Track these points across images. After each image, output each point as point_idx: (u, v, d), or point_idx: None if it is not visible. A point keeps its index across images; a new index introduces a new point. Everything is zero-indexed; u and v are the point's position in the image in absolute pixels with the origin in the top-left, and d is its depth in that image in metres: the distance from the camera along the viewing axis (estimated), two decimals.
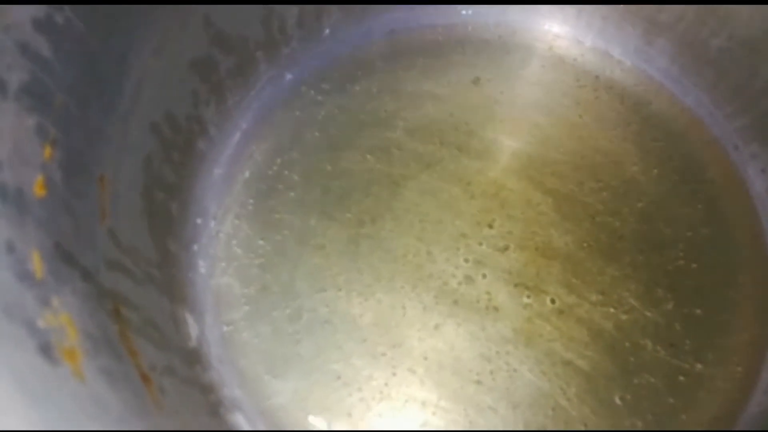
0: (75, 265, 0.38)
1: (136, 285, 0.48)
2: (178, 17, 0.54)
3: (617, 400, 0.56)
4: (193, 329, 0.56)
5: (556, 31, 0.72)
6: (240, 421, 0.54)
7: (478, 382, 0.57)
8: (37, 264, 0.33)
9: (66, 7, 0.40)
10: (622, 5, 0.68)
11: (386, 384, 0.57)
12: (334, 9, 0.68)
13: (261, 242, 0.62)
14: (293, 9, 0.65)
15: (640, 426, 0.55)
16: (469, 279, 0.61)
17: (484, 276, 0.61)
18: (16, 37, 0.36)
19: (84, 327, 0.34)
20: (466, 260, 0.61)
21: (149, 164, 0.54)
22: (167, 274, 0.55)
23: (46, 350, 0.29)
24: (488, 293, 0.60)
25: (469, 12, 0.70)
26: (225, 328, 0.58)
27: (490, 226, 0.63)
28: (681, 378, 0.57)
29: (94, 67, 0.45)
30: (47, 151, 0.38)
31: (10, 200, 0.32)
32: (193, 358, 0.54)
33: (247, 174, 0.64)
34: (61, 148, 0.40)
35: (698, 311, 0.59)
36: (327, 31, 0.69)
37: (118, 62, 0.48)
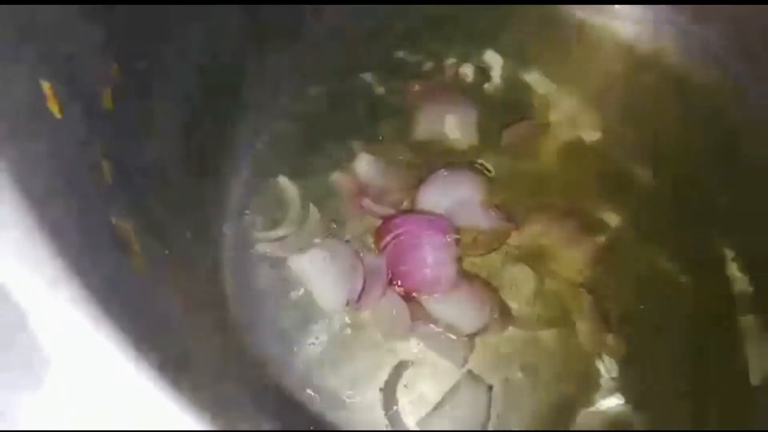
0: (132, 183, 0.39)
1: (176, 219, 0.49)
2: None
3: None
4: (222, 272, 0.57)
5: (607, 7, 0.72)
6: (264, 370, 0.55)
7: (509, 357, 0.57)
8: (105, 168, 0.34)
9: None
10: None
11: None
12: None
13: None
14: None
15: None
16: None
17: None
18: None
19: (142, 240, 0.35)
20: None
21: (194, 105, 0.55)
22: (201, 216, 0.56)
23: (119, 245, 0.30)
24: None
25: None
26: (252, 277, 0.59)
27: None
28: (722, 361, 0.58)
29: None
30: (114, 69, 0.39)
31: (86, 101, 0.33)
32: (222, 300, 0.55)
33: (283, 128, 0.65)
34: (125, 71, 0.41)
35: (742, 293, 0.60)
36: None
37: None
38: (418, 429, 0.54)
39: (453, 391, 0.55)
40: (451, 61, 0.69)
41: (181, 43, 0.51)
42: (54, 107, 0.29)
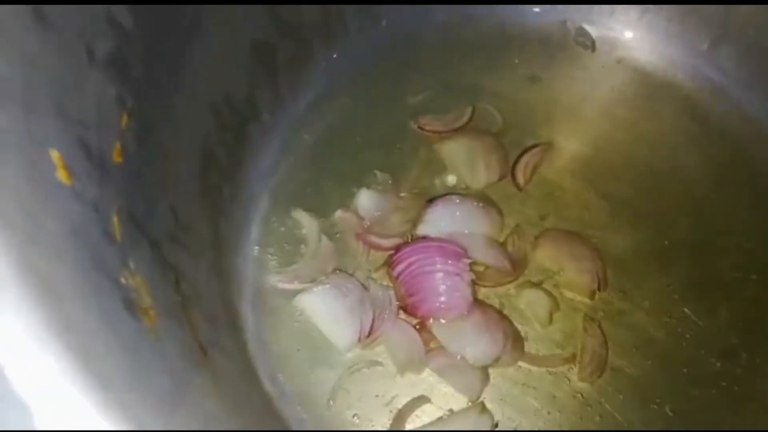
0: (144, 234, 0.40)
1: (192, 261, 0.50)
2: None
3: (668, 411, 0.57)
4: (240, 309, 0.59)
5: (618, 32, 0.73)
6: (282, 404, 0.56)
7: (525, 385, 0.58)
8: (116, 226, 0.35)
9: None
10: (687, 6, 0.69)
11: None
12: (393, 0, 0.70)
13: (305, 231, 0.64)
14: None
15: None
16: None
17: None
18: (104, 10, 0.39)
19: (154, 292, 0.37)
20: None
21: (206, 144, 0.57)
22: (218, 255, 0.58)
23: (128, 305, 0.31)
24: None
25: (535, 10, 0.71)
26: (269, 311, 0.60)
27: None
28: (735, 390, 0.58)
29: (167, 43, 0.47)
30: (124, 120, 0.41)
31: (95, 161, 0.35)
32: (240, 337, 0.57)
33: (295, 161, 0.67)
34: (136, 119, 0.42)
35: (755, 323, 0.60)
36: (384, 22, 0.71)
37: (187, 39, 0.50)
38: (416, 429, 0.56)
39: (458, 415, 0.56)
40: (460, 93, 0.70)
41: (193, 85, 0.52)
42: (63, 175, 0.30)
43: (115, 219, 0.35)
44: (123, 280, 0.32)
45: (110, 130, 0.38)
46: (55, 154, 0.30)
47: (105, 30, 0.39)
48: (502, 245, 0.62)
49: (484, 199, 0.64)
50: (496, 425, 0.56)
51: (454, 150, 0.67)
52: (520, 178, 0.65)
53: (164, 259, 0.43)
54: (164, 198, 0.47)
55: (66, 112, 0.33)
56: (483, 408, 0.56)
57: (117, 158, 0.39)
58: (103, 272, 0.31)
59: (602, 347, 0.59)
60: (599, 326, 0.60)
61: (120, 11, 0.40)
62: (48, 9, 0.33)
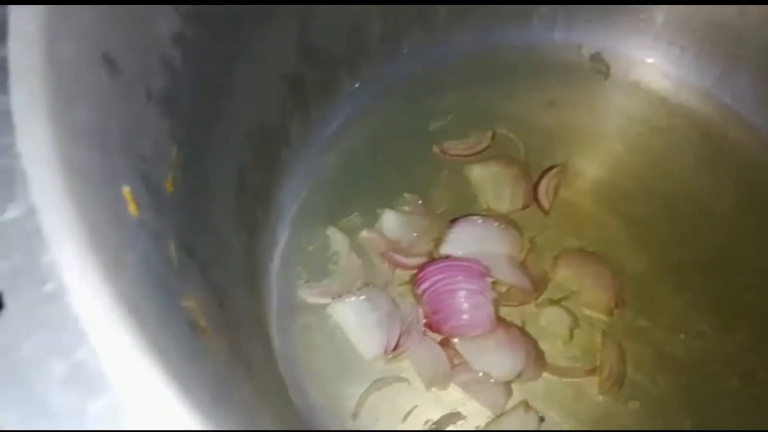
0: (194, 258, 0.44)
1: (231, 281, 0.53)
2: (275, 32, 0.60)
3: (687, 426, 0.60)
4: (270, 326, 0.62)
5: (632, 57, 0.76)
6: (311, 417, 0.59)
7: (546, 399, 0.60)
8: (174, 252, 0.39)
9: (194, 22, 0.46)
10: (700, 34, 0.72)
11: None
12: (414, 28, 0.73)
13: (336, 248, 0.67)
14: (377, 27, 0.71)
15: None
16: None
17: None
18: (159, 51, 0.42)
19: (206, 312, 0.40)
20: None
21: (242, 170, 0.60)
22: (251, 274, 0.61)
23: (192, 326, 0.35)
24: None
25: (550, 35, 0.75)
26: (299, 328, 0.63)
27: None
28: (753, 407, 0.60)
29: (209, 78, 0.51)
30: (175, 152, 0.44)
31: (153, 192, 0.38)
32: (271, 352, 0.60)
33: (323, 183, 0.70)
34: (183, 151, 0.46)
35: None
36: (406, 49, 0.75)
37: (227, 73, 0.54)
38: (429, 429, 0.58)
39: (505, 417, 0.59)
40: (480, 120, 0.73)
41: (232, 116, 0.56)
42: (133, 209, 0.34)
43: (172, 245, 0.39)
44: (184, 303, 0.36)
45: (165, 162, 0.42)
46: (126, 190, 0.33)
47: (159, 70, 0.42)
48: (523, 264, 0.65)
49: (504, 219, 0.67)
50: (542, 420, 0.59)
51: (482, 174, 0.70)
52: (545, 202, 0.69)
53: (211, 280, 0.46)
54: (207, 223, 0.50)
55: (131, 150, 0.36)
56: (527, 406, 0.59)
57: (170, 188, 0.42)
58: (169, 297, 0.34)
59: (621, 362, 0.61)
60: (618, 342, 0.62)
61: (171, 52, 0.44)
62: (115, 55, 0.36)
